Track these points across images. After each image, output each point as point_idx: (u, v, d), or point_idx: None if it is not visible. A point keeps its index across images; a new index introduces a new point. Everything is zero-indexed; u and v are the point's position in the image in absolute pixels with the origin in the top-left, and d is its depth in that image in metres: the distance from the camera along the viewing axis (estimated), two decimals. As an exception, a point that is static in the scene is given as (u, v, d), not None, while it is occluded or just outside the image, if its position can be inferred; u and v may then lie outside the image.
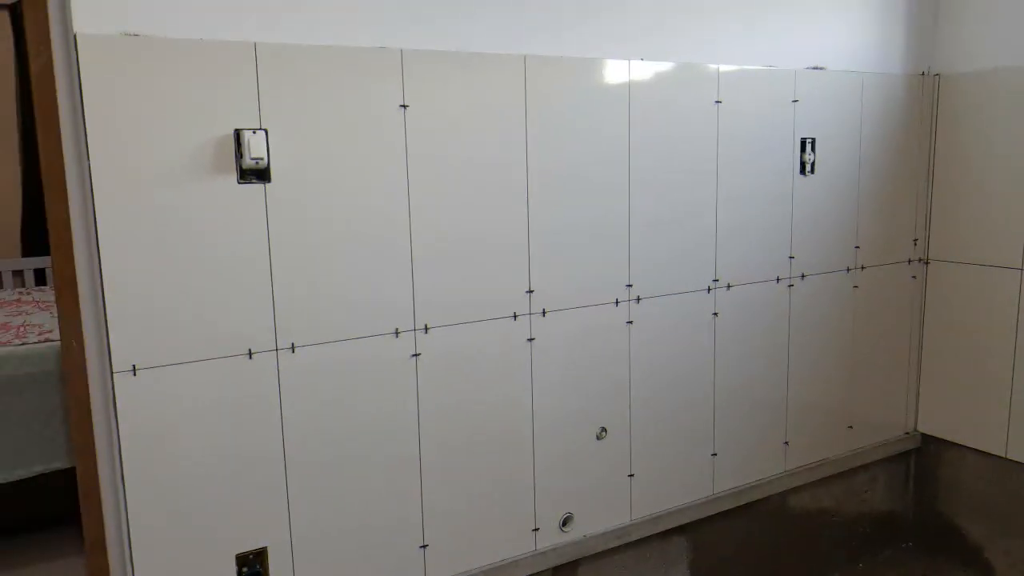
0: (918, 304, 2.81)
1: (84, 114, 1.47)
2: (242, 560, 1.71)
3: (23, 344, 2.64)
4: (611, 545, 2.21)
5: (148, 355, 1.57)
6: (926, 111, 2.71)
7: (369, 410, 1.82)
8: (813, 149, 2.44)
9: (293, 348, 1.71)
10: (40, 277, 4.21)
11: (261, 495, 1.72)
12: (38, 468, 2.56)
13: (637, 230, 2.14)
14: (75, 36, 1.45)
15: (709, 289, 2.30)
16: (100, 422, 1.58)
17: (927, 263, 2.79)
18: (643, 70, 2.08)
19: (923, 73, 2.69)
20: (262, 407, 1.69)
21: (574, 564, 2.18)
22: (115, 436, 1.56)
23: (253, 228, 1.64)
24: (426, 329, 1.86)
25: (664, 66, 2.12)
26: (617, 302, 2.14)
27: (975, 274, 2.65)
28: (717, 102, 2.22)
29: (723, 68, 2.22)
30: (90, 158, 1.48)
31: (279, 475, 1.73)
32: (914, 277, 2.79)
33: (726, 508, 2.43)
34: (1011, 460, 2.60)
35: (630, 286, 2.15)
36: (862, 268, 2.64)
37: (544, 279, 2.01)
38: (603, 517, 2.20)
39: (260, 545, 1.73)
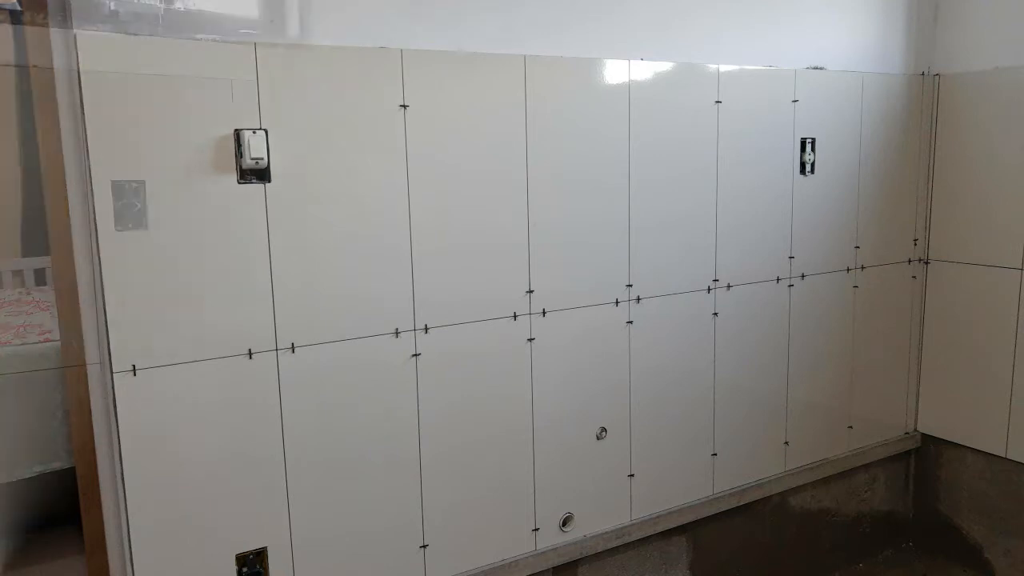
0: (918, 304, 2.81)
1: (84, 114, 1.47)
2: (242, 560, 1.71)
3: (23, 344, 2.64)
4: (611, 545, 2.21)
5: (148, 355, 1.57)
6: (926, 111, 2.71)
7: (369, 410, 1.82)
8: (813, 149, 2.44)
9: (293, 348, 1.71)
10: (40, 277, 4.20)
11: (261, 495, 1.72)
12: (38, 468, 2.56)
13: (637, 230, 2.13)
14: (75, 36, 1.45)
15: (709, 289, 2.30)
16: (100, 422, 1.58)
17: (927, 263, 2.79)
18: (643, 70, 2.08)
19: (923, 73, 2.69)
20: (262, 407, 1.69)
21: (574, 564, 2.18)
22: (115, 436, 1.56)
23: (253, 228, 1.63)
24: (426, 329, 1.86)
25: (664, 66, 2.12)
26: (617, 302, 2.14)
27: (975, 274, 2.65)
28: (717, 102, 2.22)
29: (723, 68, 2.22)
30: (90, 158, 1.48)
31: (279, 475, 1.73)
32: (914, 277, 2.79)
33: (726, 508, 2.43)
34: (1011, 460, 2.60)
35: (630, 286, 2.15)
36: (862, 268, 2.64)
37: (544, 279, 2.00)
38: (603, 517, 2.20)
39: (260, 545, 1.73)
